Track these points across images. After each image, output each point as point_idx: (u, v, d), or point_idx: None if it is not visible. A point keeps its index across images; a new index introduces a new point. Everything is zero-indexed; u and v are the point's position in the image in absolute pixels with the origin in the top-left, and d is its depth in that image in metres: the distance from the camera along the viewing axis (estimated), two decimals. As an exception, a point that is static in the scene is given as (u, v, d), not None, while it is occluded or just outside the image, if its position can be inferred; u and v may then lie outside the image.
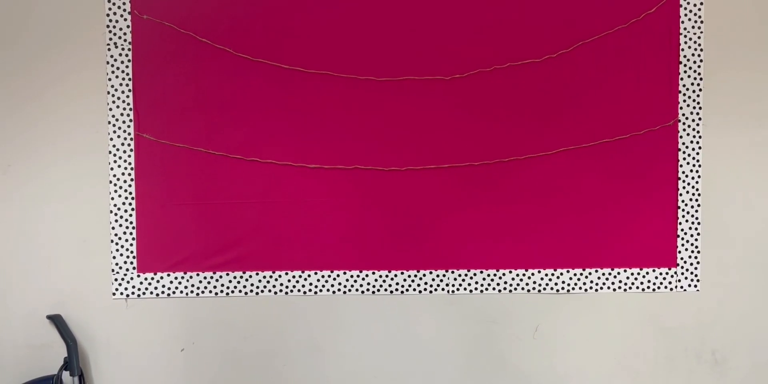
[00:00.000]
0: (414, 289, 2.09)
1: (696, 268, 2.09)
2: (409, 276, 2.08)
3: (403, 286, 2.08)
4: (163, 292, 2.05)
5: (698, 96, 2.07)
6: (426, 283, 2.08)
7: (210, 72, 2.05)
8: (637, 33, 2.05)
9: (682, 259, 2.09)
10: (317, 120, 2.06)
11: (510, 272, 2.09)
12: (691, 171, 2.08)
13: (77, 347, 1.97)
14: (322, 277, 2.07)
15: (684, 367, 2.12)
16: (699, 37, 2.07)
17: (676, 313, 2.11)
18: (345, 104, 2.05)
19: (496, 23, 2.05)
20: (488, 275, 2.09)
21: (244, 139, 2.05)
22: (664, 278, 2.09)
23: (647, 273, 2.09)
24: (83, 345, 2.02)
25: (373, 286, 2.08)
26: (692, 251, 2.09)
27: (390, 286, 2.08)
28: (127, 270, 2.05)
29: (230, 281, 2.06)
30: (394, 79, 2.05)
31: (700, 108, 2.07)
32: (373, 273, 2.08)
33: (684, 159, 2.08)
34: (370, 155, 2.06)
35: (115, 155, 2.04)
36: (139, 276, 2.05)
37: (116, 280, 2.05)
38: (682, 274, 2.09)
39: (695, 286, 2.10)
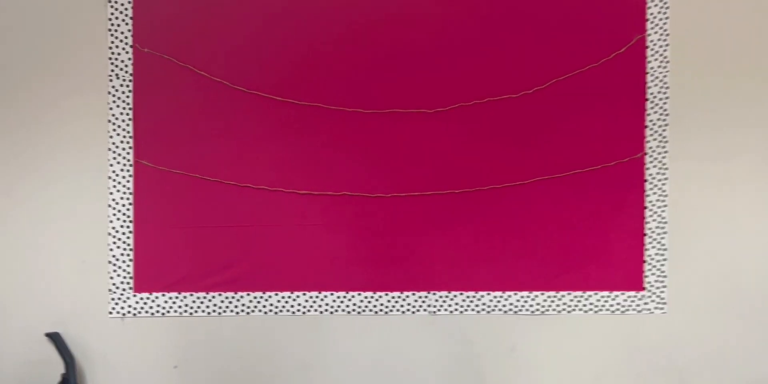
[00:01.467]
0: (397, 310, 2.18)
1: (662, 292, 2.21)
2: (393, 297, 2.18)
3: (387, 307, 2.18)
4: (158, 312, 2.14)
5: (664, 130, 2.20)
6: (409, 304, 2.18)
7: (207, 103, 2.14)
8: (607, 71, 2.17)
9: (649, 282, 2.21)
10: (308, 149, 2.15)
11: (488, 294, 2.20)
12: (658, 200, 2.20)
13: (75, 364, 2.05)
14: (310, 298, 2.16)
15: (652, 386, 2.23)
16: (665, 76, 2.20)
17: (644, 334, 2.21)
18: (334, 134, 2.15)
19: (478, 61, 2.16)
20: (467, 297, 2.19)
21: (238, 166, 2.14)
22: (633, 301, 2.21)
23: (617, 296, 2.21)
24: (80, 361, 2.10)
25: (359, 307, 2.17)
26: (658, 276, 2.20)
27: (375, 306, 2.18)
28: (124, 290, 2.13)
29: (222, 301, 2.15)
30: (381, 112, 2.16)
31: (665, 142, 2.20)
32: (359, 294, 2.17)
33: (651, 189, 2.20)
34: (358, 182, 2.16)
35: (114, 180, 2.14)
36: (135, 295, 2.13)
37: (113, 299, 2.13)
38: (649, 297, 2.21)
39: (661, 308, 2.21)
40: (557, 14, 2.17)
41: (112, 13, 2.14)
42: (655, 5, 2.19)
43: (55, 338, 2.07)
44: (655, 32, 2.19)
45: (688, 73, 2.19)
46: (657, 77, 2.19)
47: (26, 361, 2.09)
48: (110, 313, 2.13)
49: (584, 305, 2.20)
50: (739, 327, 2.20)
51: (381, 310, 2.17)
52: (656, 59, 2.19)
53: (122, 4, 2.14)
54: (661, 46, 2.19)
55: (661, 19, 2.19)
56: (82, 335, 2.10)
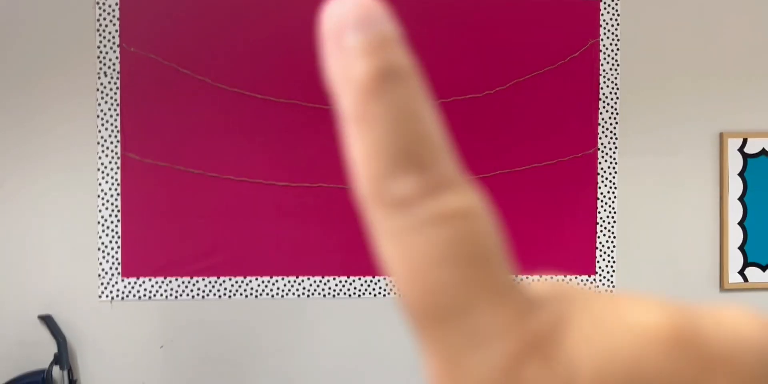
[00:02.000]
0: (370, 293, 2.35)
1: (612, 276, 2.41)
2: (366, 281, 2.34)
3: (360, 290, 2.34)
4: (144, 295, 2.27)
5: (615, 128, 2.39)
6: (380, 288, 2.35)
7: (190, 99, 2.27)
8: (563, 73, 2.35)
9: (600, 267, 2.40)
10: (286, 143, 2.30)
11: (454, 278, 2.37)
12: (609, 192, 2.39)
13: (66, 344, 2.18)
14: (289, 282, 2.31)
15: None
16: (616, 78, 2.39)
17: (596, 315, 2.41)
18: (311, 130, 2.29)
19: (443, 63, 2.32)
20: (435, 281, 2.36)
21: (220, 159, 2.27)
22: (585, 284, 2.41)
23: (571, 279, 2.40)
24: (71, 342, 2.22)
25: (334, 290, 2.33)
26: (609, 261, 2.40)
27: (348, 290, 2.34)
28: (113, 275, 2.26)
29: (206, 285, 2.29)
30: (354, 109, 2.32)
31: (616, 138, 2.39)
32: (334, 278, 2.33)
33: (602, 182, 2.39)
34: (333, 175, 2.30)
35: (103, 172, 2.26)
36: (123, 280, 2.26)
37: (102, 283, 2.26)
38: (600, 280, 2.41)
39: (611, 291, 2.41)
40: (518, 20, 2.34)
41: (100, 15, 2.26)
42: (608, 12, 2.37)
43: (47, 320, 2.19)
44: (608, 37, 2.37)
45: (637, 75, 2.38)
46: (609, 79, 2.38)
47: (20, 342, 2.21)
48: (99, 296, 2.25)
49: (541, 288, 2.38)
50: (680, 307, 2.41)
51: (354, 294, 2.33)
52: (608, 62, 2.37)
53: (110, 6, 2.26)
54: (612, 50, 2.38)
55: (613, 25, 2.37)
56: (73, 318, 2.23)
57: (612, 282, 2.40)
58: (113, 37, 2.26)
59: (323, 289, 2.32)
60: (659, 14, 2.39)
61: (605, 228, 2.38)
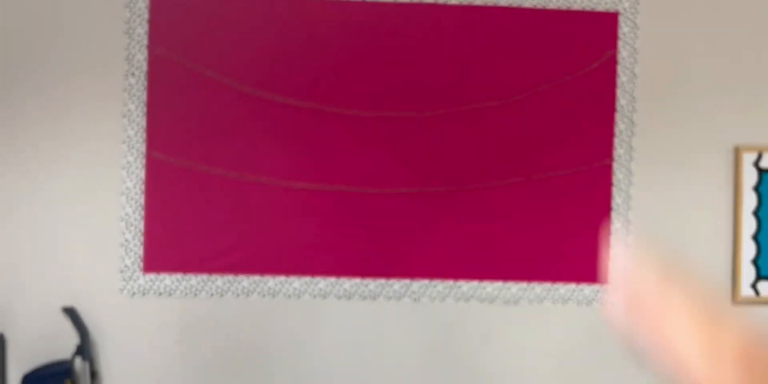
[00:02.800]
0: (383, 296, 2.38)
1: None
2: (380, 284, 2.38)
3: (374, 293, 2.38)
4: (164, 291, 2.33)
5: (631, 139, 2.41)
6: (394, 290, 2.38)
7: (214, 101, 2.32)
8: (581, 84, 2.37)
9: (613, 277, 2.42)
10: (305, 147, 2.33)
11: (467, 283, 2.39)
12: (623, 202, 2.41)
13: (88, 336, 2.24)
14: (305, 282, 2.36)
15: (613, 371, 2.43)
16: (633, 90, 2.40)
17: (607, 324, 2.43)
18: (330, 134, 2.34)
19: (463, 71, 2.36)
20: (448, 285, 2.39)
21: (241, 160, 2.32)
22: (598, 293, 2.43)
23: (583, 288, 2.42)
24: (92, 334, 2.28)
25: (348, 292, 2.37)
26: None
27: (363, 292, 2.37)
28: (134, 270, 2.32)
29: (224, 283, 2.34)
30: (374, 114, 2.36)
31: (632, 149, 2.41)
32: (349, 280, 2.37)
33: (617, 192, 2.40)
34: (350, 178, 2.34)
35: (127, 170, 2.32)
36: (144, 276, 2.32)
37: (124, 279, 2.32)
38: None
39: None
40: (537, 30, 2.37)
41: (129, 18, 2.32)
42: (626, 25, 2.40)
43: (70, 313, 2.25)
44: (626, 49, 2.40)
45: (653, 87, 2.40)
46: (626, 90, 2.40)
47: (45, 332, 2.28)
48: (121, 291, 2.31)
49: (554, 296, 2.41)
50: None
51: (369, 295, 2.37)
52: (625, 74, 2.40)
53: (139, 9, 2.32)
54: (630, 62, 2.40)
55: (631, 38, 2.40)
56: (94, 311, 2.29)
57: (623, 291, 2.41)
58: (141, 40, 2.32)
59: (339, 290, 2.36)
60: (677, 27, 2.41)
61: (619, 238, 2.40)
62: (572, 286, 2.41)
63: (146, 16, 2.32)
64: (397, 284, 2.37)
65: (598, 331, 2.41)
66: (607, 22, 2.39)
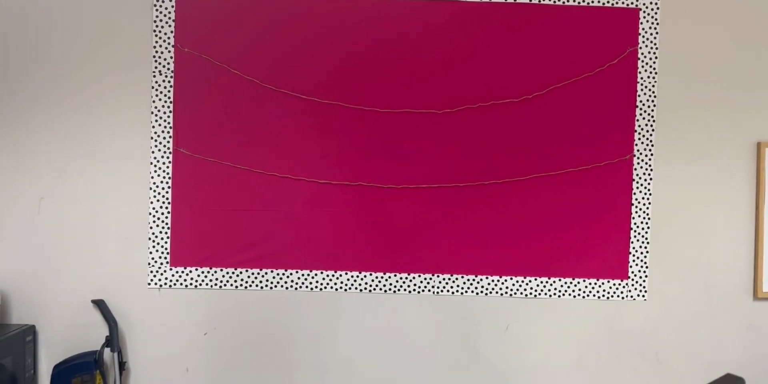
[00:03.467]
0: (404, 290, 2.41)
1: (644, 281, 2.43)
2: (401, 278, 2.41)
3: (395, 287, 2.41)
4: (191, 284, 2.38)
5: (651, 135, 2.42)
6: (415, 285, 2.41)
7: (239, 98, 2.37)
8: (601, 80, 2.38)
9: (632, 272, 2.43)
10: (328, 142, 2.38)
11: (486, 278, 2.42)
12: (643, 198, 2.42)
13: (117, 328, 2.30)
14: (327, 276, 2.40)
15: (631, 366, 2.44)
16: (653, 86, 2.42)
17: (626, 319, 2.43)
18: (352, 130, 2.38)
19: (484, 68, 2.38)
20: (468, 280, 2.42)
21: (266, 155, 2.36)
22: (617, 288, 2.44)
23: (603, 283, 2.43)
24: (120, 326, 2.34)
25: (370, 286, 2.41)
26: (641, 266, 2.43)
27: (384, 286, 2.41)
28: (161, 264, 2.38)
29: (248, 277, 2.39)
30: (394, 111, 2.39)
31: (652, 145, 2.42)
32: (370, 274, 2.41)
33: (637, 188, 2.42)
34: (372, 174, 2.38)
35: (155, 166, 2.38)
36: (171, 269, 2.38)
37: (151, 272, 2.38)
38: (633, 285, 2.43)
39: (643, 296, 2.44)
40: (557, 27, 2.39)
41: (157, 16, 2.38)
42: (647, 20, 2.40)
43: (100, 305, 2.31)
44: (646, 45, 2.40)
45: (674, 83, 2.40)
46: (646, 86, 2.41)
47: (75, 324, 2.34)
48: (149, 284, 2.37)
49: (573, 290, 2.42)
50: (710, 314, 2.43)
51: (390, 289, 2.40)
52: (646, 70, 2.40)
53: (166, 8, 2.37)
54: (651, 58, 2.41)
55: (651, 34, 2.40)
56: (123, 303, 2.34)
57: (644, 287, 2.42)
58: (168, 38, 2.37)
59: (360, 284, 2.39)
60: (698, 23, 2.41)
61: (639, 233, 2.41)
62: (591, 281, 2.42)
63: (173, 15, 2.37)
64: (417, 278, 2.40)
65: (617, 326, 2.43)
66: (628, 19, 2.39)
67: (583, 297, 2.42)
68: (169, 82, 2.37)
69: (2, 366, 2.14)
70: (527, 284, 2.41)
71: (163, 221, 2.37)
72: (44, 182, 2.35)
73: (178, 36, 2.38)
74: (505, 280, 2.41)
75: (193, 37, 2.37)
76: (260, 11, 2.38)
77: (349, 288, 2.40)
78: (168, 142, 2.37)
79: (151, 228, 2.36)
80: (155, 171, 2.37)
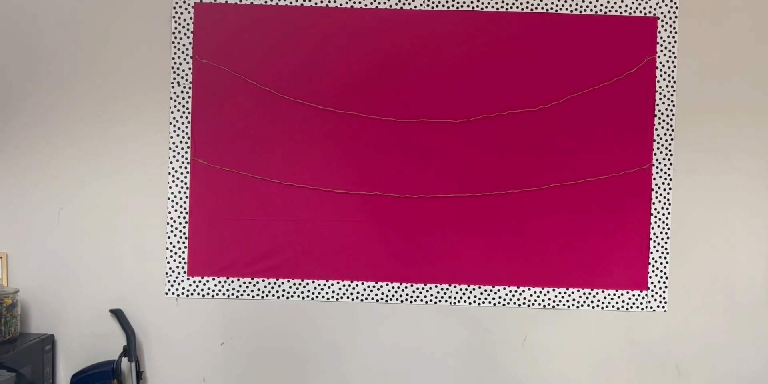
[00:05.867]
0: (421, 300, 2.41)
1: (664, 292, 2.40)
2: (417, 288, 2.41)
3: (411, 297, 2.40)
4: (208, 294, 2.39)
5: (670, 144, 2.40)
6: (431, 295, 2.40)
7: (256, 109, 2.38)
8: (619, 89, 2.37)
9: (652, 283, 2.40)
10: (344, 152, 2.38)
11: (504, 288, 2.41)
12: (663, 208, 2.40)
13: (135, 337, 2.31)
14: (343, 286, 2.40)
15: (651, 377, 2.41)
16: (672, 95, 2.40)
17: (646, 330, 2.40)
18: (368, 140, 2.38)
19: (500, 77, 2.37)
20: (485, 290, 2.41)
21: (283, 166, 2.37)
22: (637, 299, 2.41)
23: (622, 294, 2.41)
24: (138, 335, 2.35)
25: (386, 296, 2.40)
26: (661, 277, 2.40)
27: (401, 296, 2.40)
28: (179, 273, 2.39)
29: (265, 287, 2.39)
30: (411, 121, 2.39)
31: (671, 155, 2.39)
32: (387, 284, 2.40)
33: (656, 198, 2.39)
34: (388, 184, 2.38)
35: (173, 176, 2.39)
36: (188, 279, 2.39)
37: (169, 281, 2.39)
38: (652, 296, 2.40)
39: (663, 307, 2.41)
40: (574, 36, 2.38)
41: (175, 28, 2.40)
42: (665, 30, 2.39)
43: (118, 314, 2.32)
44: (665, 54, 2.39)
45: (693, 92, 2.39)
46: (665, 95, 2.39)
47: (93, 333, 2.35)
48: (166, 293, 2.38)
49: (591, 301, 2.40)
50: (731, 326, 2.39)
51: (406, 300, 2.39)
52: (664, 79, 2.39)
53: (184, 20, 2.40)
54: (669, 67, 2.39)
55: (670, 43, 2.39)
56: (141, 313, 2.36)
57: (664, 298, 2.40)
58: (187, 50, 2.39)
59: (376, 294, 2.39)
60: (716, 32, 2.39)
61: (658, 244, 2.38)
62: (611, 291, 2.40)
63: (191, 27, 2.39)
64: (434, 289, 2.39)
65: (636, 337, 2.40)
66: (646, 28, 2.38)
67: (602, 308, 2.40)
68: (187, 92, 2.39)
69: (21, 375, 2.15)
70: (545, 295, 2.39)
71: (180, 231, 2.38)
72: (63, 192, 2.37)
73: (196, 47, 2.40)
74: (523, 291, 2.39)
75: (210, 48, 2.39)
76: (277, 22, 2.40)
77: (366, 298, 2.39)
78: (186, 152, 2.39)
79: (168, 238, 2.38)
80: (173, 181, 2.39)
